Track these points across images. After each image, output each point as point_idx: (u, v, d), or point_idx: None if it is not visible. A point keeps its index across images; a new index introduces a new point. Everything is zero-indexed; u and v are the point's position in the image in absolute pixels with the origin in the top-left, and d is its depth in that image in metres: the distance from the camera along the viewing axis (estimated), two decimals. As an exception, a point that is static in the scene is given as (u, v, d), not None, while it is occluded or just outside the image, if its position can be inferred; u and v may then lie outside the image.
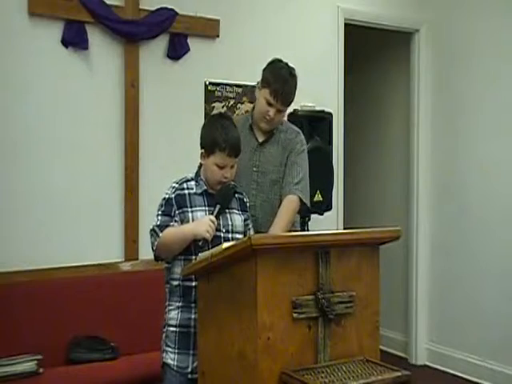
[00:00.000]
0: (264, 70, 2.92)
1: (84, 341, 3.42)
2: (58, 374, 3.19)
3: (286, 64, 2.93)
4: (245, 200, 2.69)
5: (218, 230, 2.47)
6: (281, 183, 2.90)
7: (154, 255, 2.55)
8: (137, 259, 3.82)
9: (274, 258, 1.99)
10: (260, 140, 2.93)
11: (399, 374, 2.00)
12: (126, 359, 3.42)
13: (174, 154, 3.95)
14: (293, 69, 2.92)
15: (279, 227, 2.71)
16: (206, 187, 2.55)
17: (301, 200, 2.86)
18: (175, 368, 2.52)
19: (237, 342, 2.06)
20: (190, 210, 2.50)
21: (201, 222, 2.44)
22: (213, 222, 2.43)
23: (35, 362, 3.14)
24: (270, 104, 2.82)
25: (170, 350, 2.54)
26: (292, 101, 2.91)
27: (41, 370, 3.15)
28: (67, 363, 3.35)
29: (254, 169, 2.89)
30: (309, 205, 2.96)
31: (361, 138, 5.74)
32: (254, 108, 3.00)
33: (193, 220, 2.48)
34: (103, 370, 3.27)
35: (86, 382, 3.14)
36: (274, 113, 2.83)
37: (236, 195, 2.62)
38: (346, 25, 4.73)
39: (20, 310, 3.35)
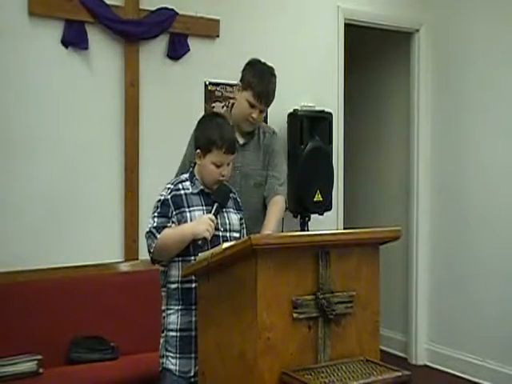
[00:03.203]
0: (244, 71, 2.94)
1: (84, 341, 3.42)
2: (58, 373, 3.19)
3: (265, 64, 2.96)
4: (238, 199, 2.70)
5: (216, 229, 2.47)
6: (264, 186, 2.94)
7: (151, 258, 2.52)
8: (137, 259, 3.81)
9: (274, 257, 1.99)
10: (240, 142, 2.94)
11: (399, 373, 2.01)
12: (126, 359, 3.42)
13: (174, 154, 3.92)
14: (272, 68, 2.96)
15: (271, 225, 2.76)
16: (202, 187, 2.55)
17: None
18: (177, 373, 2.47)
19: (237, 342, 2.06)
20: (187, 210, 2.49)
21: (200, 222, 2.43)
22: (212, 221, 2.43)
23: (35, 362, 3.14)
24: (252, 106, 2.86)
25: (170, 355, 2.50)
26: (273, 100, 2.96)
27: (41, 370, 3.15)
28: (67, 363, 3.34)
29: (237, 171, 2.89)
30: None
31: (361, 138, 5.74)
32: (231, 109, 3.02)
33: (191, 220, 2.47)
34: (103, 370, 3.26)
35: (86, 382, 3.14)
36: (258, 114, 2.88)
37: (230, 194, 2.62)
38: (346, 25, 4.73)
39: (20, 309, 3.35)
